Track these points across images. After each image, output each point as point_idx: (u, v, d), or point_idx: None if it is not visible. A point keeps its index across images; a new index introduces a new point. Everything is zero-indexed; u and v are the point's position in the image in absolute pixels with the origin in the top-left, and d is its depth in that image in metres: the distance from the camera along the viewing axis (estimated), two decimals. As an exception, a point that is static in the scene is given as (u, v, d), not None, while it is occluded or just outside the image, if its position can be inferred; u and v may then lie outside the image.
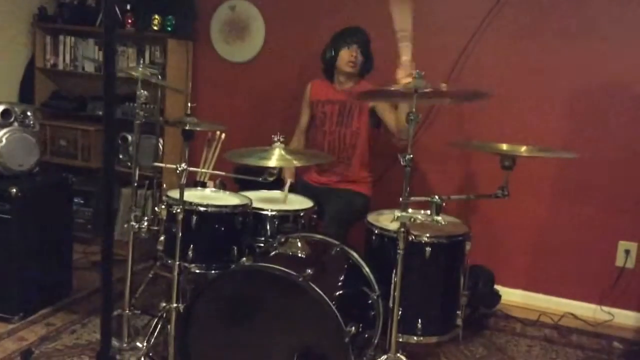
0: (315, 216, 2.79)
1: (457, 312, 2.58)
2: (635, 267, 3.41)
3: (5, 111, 2.89)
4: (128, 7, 3.90)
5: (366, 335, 2.29)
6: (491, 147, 2.28)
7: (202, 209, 2.35)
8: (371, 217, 2.64)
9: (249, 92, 4.06)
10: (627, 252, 3.41)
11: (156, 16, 3.79)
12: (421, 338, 2.46)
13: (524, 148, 2.37)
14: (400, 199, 2.11)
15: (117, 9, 3.92)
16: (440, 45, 3.53)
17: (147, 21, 3.83)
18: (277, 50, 3.94)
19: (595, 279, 3.47)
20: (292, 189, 2.98)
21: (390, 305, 2.28)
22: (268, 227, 2.62)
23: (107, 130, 1.42)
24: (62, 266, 3.16)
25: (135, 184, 2.52)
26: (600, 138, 3.38)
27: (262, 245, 2.57)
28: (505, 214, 3.55)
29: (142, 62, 3.91)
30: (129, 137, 3.96)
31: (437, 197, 2.12)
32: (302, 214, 2.67)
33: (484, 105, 3.50)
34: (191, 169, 2.22)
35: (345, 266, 2.41)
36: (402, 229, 2.14)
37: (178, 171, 2.19)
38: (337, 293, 2.22)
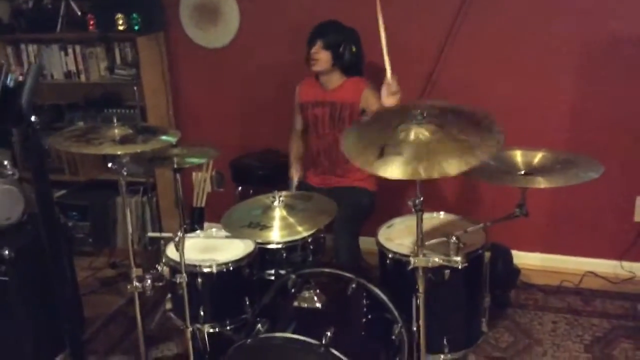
0: (322, 236, 2.67)
1: (482, 319, 2.52)
2: (655, 221, 3.31)
3: (-21, 168, 2.70)
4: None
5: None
6: (506, 177, 2.10)
7: (206, 270, 2.22)
8: (382, 236, 2.51)
9: (232, 78, 3.80)
10: (646, 207, 3.30)
11: (120, 15, 3.48)
12: (449, 355, 2.41)
13: (539, 156, 2.20)
14: (415, 246, 1.97)
15: (77, 10, 3.64)
16: (423, 27, 3.34)
17: (110, 20, 3.52)
18: (255, 32, 3.65)
19: (614, 235, 3.39)
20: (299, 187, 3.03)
21: (414, 329, 2.23)
22: (277, 259, 2.51)
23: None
24: (70, 306, 3.06)
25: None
26: (614, 94, 3.18)
27: (273, 277, 2.48)
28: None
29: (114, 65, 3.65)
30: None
31: (454, 237, 1.99)
32: (309, 240, 2.54)
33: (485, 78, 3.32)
34: (188, 235, 2.07)
35: (365, 299, 2.31)
36: (421, 273, 2.02)
37: (175, 241, 2.04)
38: (362, 338, 2.15)
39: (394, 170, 1.79)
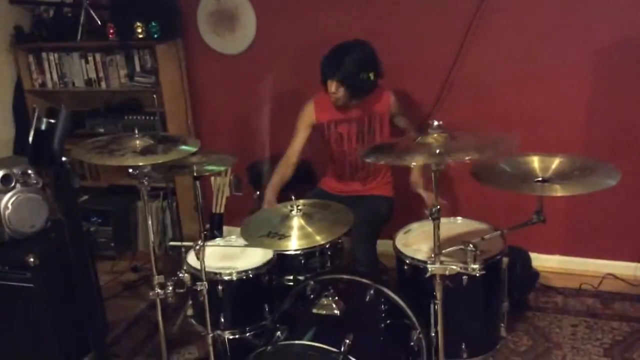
0: (340, 241, 2.70)
1: (501, 324, 2.53)
2: (675, 222, 3.29)
3: (4, 177, 2.76)
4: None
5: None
6: (522, 185, 2.10)
7: (226, 277, 2.26)
8: (400, 242, 2.52)
9: (248, 83, 3.83)
10: (666, 207, 3.27)
11: (139, 24, 3.53)
12: (467, 361, 2.43)
13: (556, 161, 2.21)
14: (432, 254, 1.99)
15: (97, 19, 3.70)
16: (438, 32, 3.34)
17: (129, 29, 3.58)
18: (271, 38, 3.68)
19: (633, 237, 3.36)
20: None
21: (433, 334, 2.26)
22: (295, 265, 2.54)
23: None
24: (93, 310, 3.11)
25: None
26: (630, 96, 3.16)
27: (292, 283, 2.52)
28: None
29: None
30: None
31: (471, 245, 2.00)
32: (327, 246, 2.57)
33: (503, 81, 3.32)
34: (208, 244, 2.11)
35: (383, 305, 2.34)
36: (438, 280, 2.04)
37: (196, 249, 2.08)
38: (380, 344, 2.17)
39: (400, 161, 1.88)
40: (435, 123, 1.90)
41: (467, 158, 1.80)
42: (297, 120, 3.07)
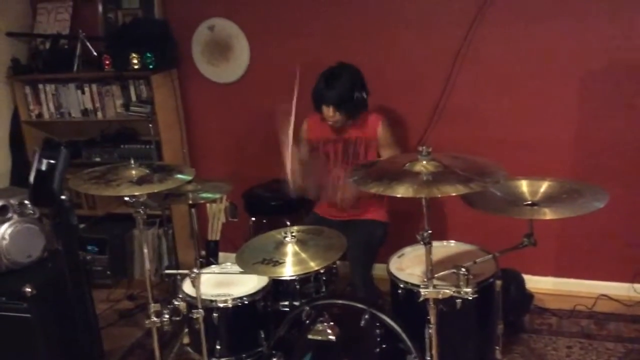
0: (334, 266, 2.72)
1: (496, 347, 2.55)
2: (667, 242, 3.32)
3: (1, 208, 2.78)
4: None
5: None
6: (512, 209, 2.14)
7: (221, 304, 2.28)
8: (393, 266, 2.55)
9: (242, 111, 3.89)
10: (657, 227, 3.31)
11: (134, 55, 3.59)
12: (463, 384, 2.44)
13: (545, 185, 2.25)
14: (425, 279, 2.02)
15: (93, 51, 3.76)
16: (430, 56, 3.41)
17: (125, 60, 3.64)
18: (265, 67, 3.74)
19: (626, 258, 3.39)
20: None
21: (428, 359, 2.27)
22: (290, 290, 2.56)
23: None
24: (89, 339, 3.12)
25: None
26: (618, 118, 3.22)
27: (287, 309, 2.53)
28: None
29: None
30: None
31: (463, 269, 2.03)
32: (322, 271, 2.59)
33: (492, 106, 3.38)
34: (203, 272, 2.13)
35: (378, 329, 2.35)
36: (432, 304, 2.06)
37: (191, 277, 2.10)
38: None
39: (390, 190, 1.86)
40: (424, 150, 1.93)
41: (453, 194, 1.84)
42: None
